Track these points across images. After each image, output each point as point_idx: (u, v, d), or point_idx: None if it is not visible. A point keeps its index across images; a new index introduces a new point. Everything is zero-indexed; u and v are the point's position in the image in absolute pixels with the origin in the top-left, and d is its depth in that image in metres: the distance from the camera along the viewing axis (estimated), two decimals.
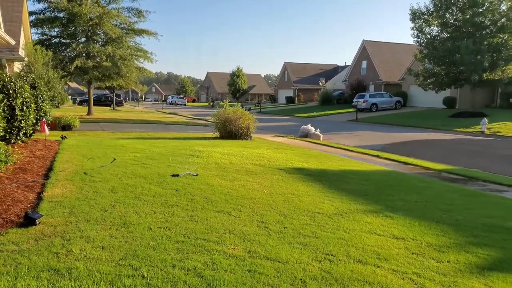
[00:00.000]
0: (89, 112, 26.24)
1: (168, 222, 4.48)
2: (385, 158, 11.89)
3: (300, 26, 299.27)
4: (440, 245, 4.25)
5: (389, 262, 3.67)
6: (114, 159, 8.27)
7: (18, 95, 7.69)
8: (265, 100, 79.72)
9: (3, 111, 7.33)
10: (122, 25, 24.51)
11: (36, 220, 4.20)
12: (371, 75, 45.17)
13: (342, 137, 18.56)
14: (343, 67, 63.41)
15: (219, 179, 6.89)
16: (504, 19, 25.47)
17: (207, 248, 3.76)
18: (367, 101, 36.22)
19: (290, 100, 61.16)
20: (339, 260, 3.64)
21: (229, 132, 14.15)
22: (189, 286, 3.03)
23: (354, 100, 36.96)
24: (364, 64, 47.41)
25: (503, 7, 25.94)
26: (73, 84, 79.63)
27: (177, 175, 6.90)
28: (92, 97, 27.62)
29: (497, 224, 5.20)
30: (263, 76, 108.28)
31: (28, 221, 4.19)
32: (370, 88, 44.62)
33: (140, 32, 25.05)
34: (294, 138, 17.42)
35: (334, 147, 14.46)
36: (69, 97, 62.10)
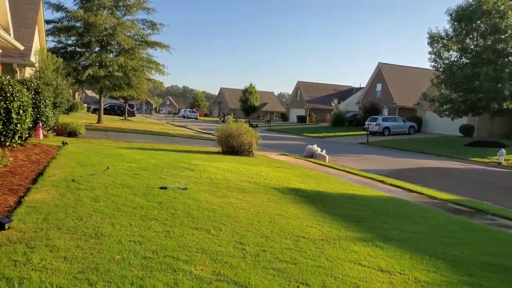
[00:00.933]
0: (98, 120, 26.50)
1: (141, 236, 4.30)
2: (390, 184, 11.56)
3: (316, 46, 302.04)
4: (429, 282, 3.95)
5: None
6: (108, 168, 8.17)
7: (16, 98, 7.72)
8: (276, 118, 79.79)
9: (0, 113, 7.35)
10: (136, 36, 24.94)
11: (5, 225, 4.07)
12: (386, 98, 44.88)
13: (349, 160, 18.24)
14: (358, 89, 63.26)
15: (208, 194, 6.71)
16: None
17: (173, 267, 3.56)
18: (379, 124, 35.83)
19: (301, 119, 61.05)
20: None
21: (231, 147, 14.02)
22: None
23: (366, 122, 36.59)
24: (378, 87, 47.22)
25: None
26: (90, 93, 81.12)
27: (165, 188, 6.74)
28: (102, 105, 27.97)
29: (497, 262, 4.85)
30: (276, 94, 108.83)
31: None
32: (384, 112, 44.24)
33: (153, 44, 25.43)
34: (299, 158, 17.18)
35: (338, 169, 14.18)
36: (85, 104, 63.23)
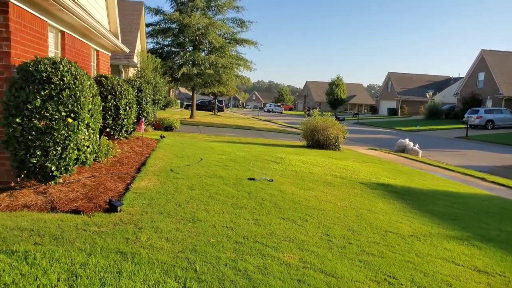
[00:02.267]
0: (191, 116, 28.35)
1: (232, 222, 4.60)
2: (492, 182, 10.49)
3: (409, 35, 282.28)
4: None
5: None
6: (201, 159, 8.78)
7: (123, 96, 8.71)
8: (365, 110, 76.74)
9: (109, 109, 8.35)
10: (226, 35, 26.04)
11: (118, 208, 4.68)
12: (489, 89, 40.27)
13: (445, 155, 16.88)
14: (456, 79, 57.75)
15: (293, 187, 6.83)
16: None
17: (262, 252, 3.75)
18: (481, 117, 32.35)
19: (392, 112, 57.83)
20: (401, 284, 3.31)
21: (317, 141, 13.95)
22: (235, 286, 3.06)
23: (466, 115, 33.27)
24: (481, 76, 42.50)
25: None
26: (183, 90, 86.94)
27: (253, 179, 7.04)
28: (195, 102, 29.82)
29: None
30: (365, 86, 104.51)
31: (112, 207, 4.68)
32: (487, 103, 39.79)
33: (242, 41, 26.31)
34: (389, 152, 16.41)
35: (432, 165, 13.24)
36: (178, 101, 67.97)
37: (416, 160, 14.38)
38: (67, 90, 5.04)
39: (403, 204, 6.41)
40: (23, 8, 5.52)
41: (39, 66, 4.99)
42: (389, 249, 4.15)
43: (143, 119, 9.37)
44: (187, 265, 3.37)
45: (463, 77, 46.88)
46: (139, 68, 16.52)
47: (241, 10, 26.26)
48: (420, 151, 16.14)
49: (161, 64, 19.22)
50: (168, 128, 17.01)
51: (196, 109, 36.75)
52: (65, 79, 5.06)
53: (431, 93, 50.48)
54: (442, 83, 61.66)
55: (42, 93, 4.90)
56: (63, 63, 5.22)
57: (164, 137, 12.62)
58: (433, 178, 10.11)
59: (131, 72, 18.13)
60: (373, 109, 69.82)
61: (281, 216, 5.01)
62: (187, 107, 51.28)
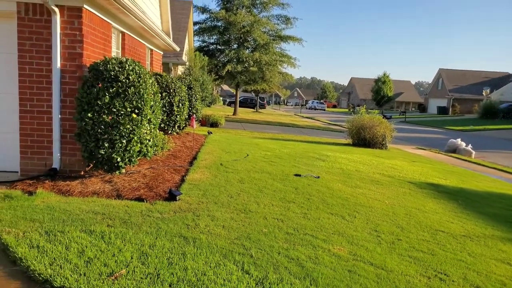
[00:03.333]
0: (234, 113, 28.89)
1: (282, 215, 4.81)
2: None
3: (463, 28, 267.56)
4: None
5: None
6: (247, 155, 9.07)
7: (176, 93, 9.18)
8: (413, 109, 73.98)
9: (164, 106, 8.85)
10: (270, 32, 26.24)
11: (177, 197, 5.05)
12: None
13: (502, 157, 16.06)
14: None
15: (340, 184, 6.93)
16: None
17: (313, 244, 3.94)
18: None
19: (442, 110, 55.29)
20: (453, 281, 3.36)
21: (363, 139, 13.82)
22: (289, 272, 3.27)
23: None
24: None
25: None
26: (225, 87, 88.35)
27: (299, 175, 7.21)
28: (238, 99, 30.33)
29: None
30: (413, 83, 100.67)
31: (171, 196, 5.06)
32: None
33: (286, 38, 26.38)
34: (438, 152, 15.88)
35: (487, 166, 12.70)
36: (221, 98, 69.24)
37: (469, 161, 13.83)
38: (132, 87, 5.48)
39: (454, 204, 6.31)
40: (93, 12, 6.03)
41: (108, 65, 5.46)
42: (439, 248, 4.18)
43: (194, 116, 9.79)
44: (243, 251, 3.63)
45: None
46: (187, 66, 17.15)
47: (286, 7, 26.35)
48: (473, 152, 15.47)
49: (207, 62, 19.80)
50: (214, 124, 17.53)
51: (239, 106, 37.34)
52: (130, 77, 5.50)
53: (487, 90, 47.58)
54: (499, 80, 57.83)
55: (111, 90, 5.36)
56: (128, 63, 5.67)
57: (211, 133, 13.08)
58: (488, 180, 9.74)
59: (180, 70, 18.84)
60: (422, 108, 67.14)
61: (329, 211, 5.16)
62: (229, 104, 52.18)
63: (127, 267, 3.19)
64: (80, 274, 3.04)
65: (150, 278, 3.03)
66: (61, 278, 2.97)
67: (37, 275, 3.07)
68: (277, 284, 3.06)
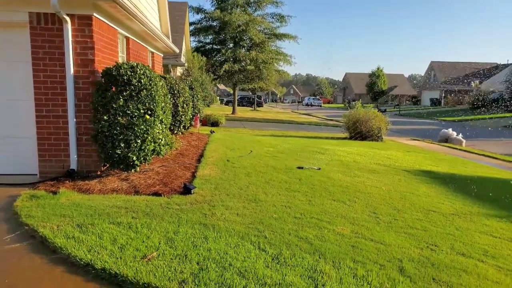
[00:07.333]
0: (233, 111, 29.33)
1: (289, 202, 5.27)
2: None
3: (456, 22, 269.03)
4: None
5: (496, 259, 3.70)
6: (251, 151, 9.52)
7: (180, 95, 9.62)
8: (406, 101, 74.69)
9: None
10: (266, 30, 26.68)
11: (192, 190, 5.49)
12: None
13: (490, 144, 16.63)
14: (506, 65, 54.85)
15: (340, 174, 7.40)
16: None
17: (319, 225, 4.40)
18: None
19: (435, 102, 56.06)
20: (441, 250, 3.84)
21: (359, 133, 14.31)
22: (300, 249, 3.73)
23: None
24: None
25: None
26: (221, 86, 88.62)
27: (301, 168, 7.67)
28: (236, 98, 30.74)
29: None
30: (406, 76, 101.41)
31: (186, 190, 5.50)
32: None
33: (281, 36, 26.83)
34: (431, 143, 16.44)
35: (476, 154, 13.24)
36: (218, 97, 69.57)
37: (460, 149, 14.38)
38: (144, 90, 5.91)
39: (445, 188, 6.80)
40: (101, 20, 6.43)
41: (120, 70, 5.87)
42: (431, 225, 4.66)
43: (198, 115, 10.24)
44: (258, 233, 4.08)
45: None
46: (185, 67, 17.55)
47: (280, 5, 26.78)
48: (464, 141, 16.04)
49: (204, 62, 20.20)
50: (214, 123, 17.96)
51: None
52: (142, 81, 5.93)
53: (477, 82, 48.35)
54: (489, 71, 58.75)
55: (124, 93, 5.79)
56: (139, 67, 6.09)
57: (214, 132, 13.50)
58: (477, 165, 10.26)
59: (178, 71, 19.24)
60: (415, 100, 67.89)
61: (331, 198, 5.62)
62: (227, 103, 52.57)
63: (157, 250, 3.63)
64: (117, 258, 3.47)
65: (179, 259, 3.47)
66: (101, 262, 3.41)
67: (78, 259, 3.50)
68: (291, 259, 3.52)
